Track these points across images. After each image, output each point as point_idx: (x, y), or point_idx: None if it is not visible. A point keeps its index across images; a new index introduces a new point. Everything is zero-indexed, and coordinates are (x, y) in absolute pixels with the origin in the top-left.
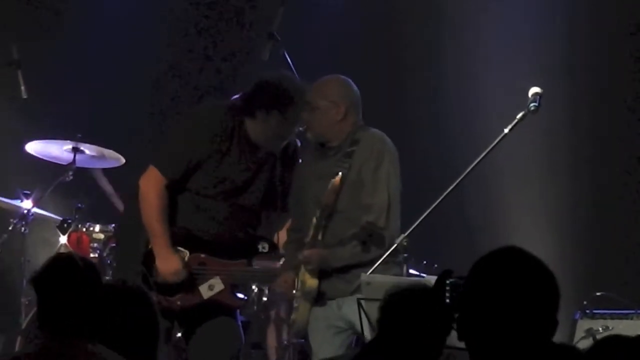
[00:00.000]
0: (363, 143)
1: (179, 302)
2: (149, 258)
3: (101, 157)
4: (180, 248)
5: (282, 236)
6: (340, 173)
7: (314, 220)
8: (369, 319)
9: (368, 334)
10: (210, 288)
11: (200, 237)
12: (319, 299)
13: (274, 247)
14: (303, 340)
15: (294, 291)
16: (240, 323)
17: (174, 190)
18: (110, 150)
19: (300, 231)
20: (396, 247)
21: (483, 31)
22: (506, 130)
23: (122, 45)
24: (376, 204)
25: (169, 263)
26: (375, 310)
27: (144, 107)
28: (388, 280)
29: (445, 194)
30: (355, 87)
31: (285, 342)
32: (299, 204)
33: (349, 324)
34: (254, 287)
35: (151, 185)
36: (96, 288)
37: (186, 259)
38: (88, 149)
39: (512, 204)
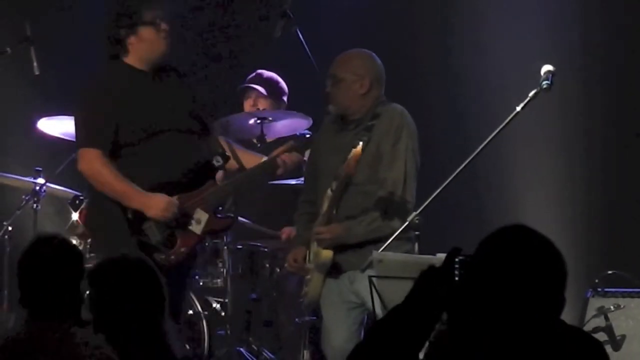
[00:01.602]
0: (383, 117)
1: (182, 249)
2: (134, 224)
3: None
4: (159, 195)
5: None
6: (360, 142)
7: (329, 192)
8: (380, 297)
9: (380, 312)
10: (198, 222)
11: (161, 184)
12: (332, 270)
13: (226, 157)
14: (315, 317)
15: (306, 265)
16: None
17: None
18: None
19: (313, 204)
20: (408, 223)
21: (497, 8)
22: (518, 108)
23: None
24: (391, 178)
25: (154, 202)
26: (386, 287)
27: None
28: (400, 258)
29: (457, 171)
30: (379, 62)
31: (297, 320)
32: (313, 177)
33: (361, 300)
34: (265, 264)
35: (91, 162)
36: (78, 270)
37: None
38: None
39: (524, 182)
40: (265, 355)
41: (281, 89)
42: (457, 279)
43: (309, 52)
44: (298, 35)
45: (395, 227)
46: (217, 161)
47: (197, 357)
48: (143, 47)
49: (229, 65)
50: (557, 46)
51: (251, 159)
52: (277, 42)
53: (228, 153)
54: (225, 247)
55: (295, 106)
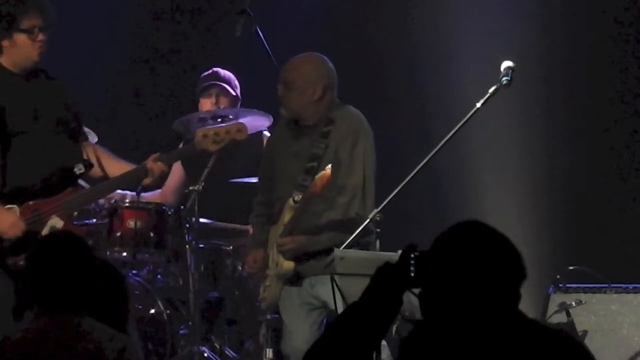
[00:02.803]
0: (339, 122)
1: None
2: None
3: None
4: (8, 206)
5: None
6: (330, 165)
7: (291, 202)
8: (342, 294)
9: (342, 309)
10: (53, 229)
11: (18, 188)
12: (293, 279)
13: (89, 164)
14: (277, 315)
15: (266, 270)
16: None
17: None
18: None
19: (269, 206)
20: (368, 226)
21: (459, 4)
22: (478, 105)
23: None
24: (350, 184)
25: (1, 220)
26: (348, 284)
27: (120, 82)
28: (362, 255)
29: (417, 168)
30: (332, 66)
31: (260, 318)
32: (269, 179)
33: (322, 303)
34: (227, 262)
35: None
36: (87, 264)
37: (18, 213)
38: None
39: (486, 179)
40: (228, 353)
41: (237, 86)
42: (412, 275)
43: (269, 50)
44: (258, 33)
45: (358, 221)
46: (79, 169)
47: (159, 356)
48: (16, 52)
49: (185, 64)
50: (518, 41)
51: (120, 167)
52: (237, 41)
53: (93, 160)
54: (187, 246)
55: (254, 104)
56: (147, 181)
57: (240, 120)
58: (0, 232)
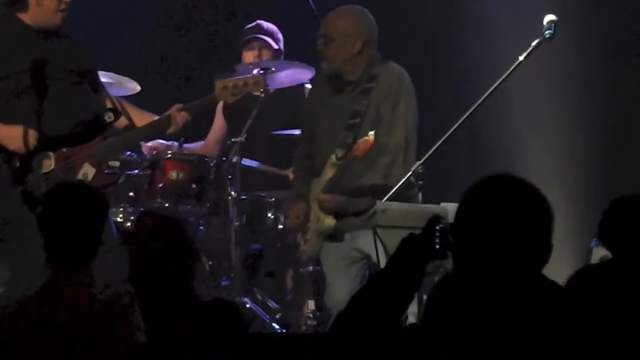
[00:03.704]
0: (381, 79)
1: None
2: (19, 175)
3: (117, 84)
4: (43, 152)
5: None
6: (373, 132)
7: (333, 159)
8: (384, 247)
9: (384, 262)
10: (85, 176)
11: (48, 139)
12: (334, 235)
13: (117, 113)
14: (319, 267)
15: (307, 223)
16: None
17: None
18: (126, 78)
19: (310, 158)
20: (409, 179)
21: None
22: (521, 58)
23: None
24: (392, 143)
25: (12, 133)
26: (390, 237)
27: (155, 34)
28: (403, 207)
29: (460, 120)
30: (373, 20)
31: (301, 270)
32: (310, 132)
33: (364, 255)
34: (269, 214)
35: None
36: (101, 217)
37: (53, 159)
38: (104, 76)
39: (526, 132)
40: (270, 305)
41: (281, 39)
42: (437, 247)
43: (311, 2)
44: None
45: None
46: (109, 117)
47: None
48: (40, 12)
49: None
50: None
51: (143, 117)
52: None
53: (119, 109)
54: (229, 198)
55: (296, 57)
56: (171, 130)
57: (275, 70)
58: (16, 147)
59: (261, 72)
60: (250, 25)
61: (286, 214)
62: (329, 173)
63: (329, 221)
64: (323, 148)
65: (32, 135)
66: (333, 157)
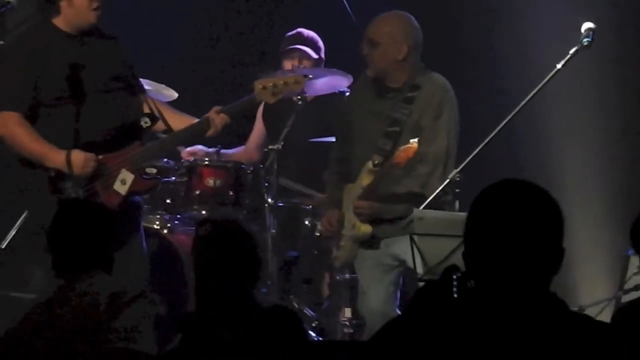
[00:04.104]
0: (424, 89)
1: None
2: (55, 183)
3: (154, 91)
4: (72, 150)
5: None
6: (416, 140)
7: (370, 165)
8: (421, 254)
9: (420, 269)
10: (123, 182)
11: (86, 145)
12: (370, 242)
13: (154, 118)
14: (355, 275)
15: (341, 230)
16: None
17: (32, 118)
18: (163, 85)
19: (345, 162)
20: (447, 185)
21: None
22: (559, 66)
23: None
24: (432, 153)
25: (71, 160)
26: (427, 244)
27: (193, 40)
28: (440, 215)
29: (497, 128)
30: (417, 26)
31: (338, 277)
32: (345, 136)
33: (399, 261)
34: (306, 221)
35: (8, 125)
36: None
37: None
38: (143, 83)
39: (563, 140)
40: (306, 312)
41: (321, 48)
42: (455, 295)
43: (349, 9)
44: None
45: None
46: (145, 122)
47: None
48: (72, 13)
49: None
50: (599, 2)
51: (181, 120)
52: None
53: (157, 114)
54: (266, 205)
55: (334, 64)
56: (210, 133)
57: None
58: (75, 172)
59: None
60: (291, 34)
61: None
62: (365, 180)
63: (365, 228)
64: (358, 152)
65: (91, 159)
66: (370, 163)
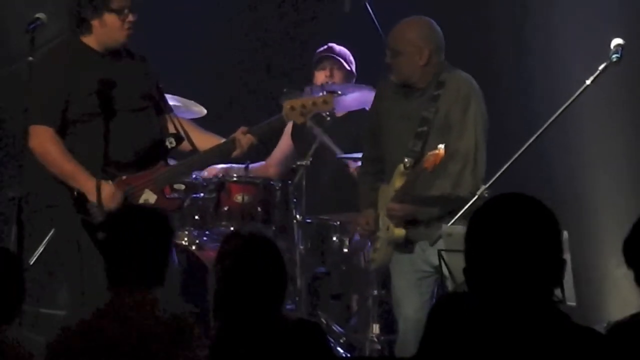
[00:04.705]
0: (449, 86)
1: None
2: (80, 202)
3: (183, 107)
4: (102, 181)
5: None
6: (443, 145)
7: (402, 168)
8: (449, 271)
9: (450, 286)
10: (146, 202)
11: (111, 163)
12: (404, 245)
13: (179, 138)
14: (384, 291)
15: (377, 232)
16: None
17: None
18: (192, 102)
19: (378, 162)
20: (478, 197)
21: None
22: (588, 82)
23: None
24: (462, 149)
25: (101, 190)
26: (456, 260)
27: (222, 57)
28: None
29: (526, 145)
30: (438, 28)
31: (366, 294)
32: (376, 135)
33: (434, 269)
34: (334, 237)
35: (42, 140)
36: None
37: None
38: (171, 100)
39: (593, 157)
40: (334, 329)
41: (352, 62)
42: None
43: (378, 26)
44: (367, 8)
45: (466, 200)
46: (170, 142)
47: None
48: (104, 33)
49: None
50: (628, 19)
51: (207, 140)
52: (345, 16)
53: (182, 134)
54: (294, 221)
55: (363, 80)
56: (236, 154)
57: (341, 94)
58: (103, 205)
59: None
60: (322, 48)
61: (355, 222)
62: (397, 182)
63: (399, 231)
64: (391, 154)
65: (117, 194)
66: (401, 166)
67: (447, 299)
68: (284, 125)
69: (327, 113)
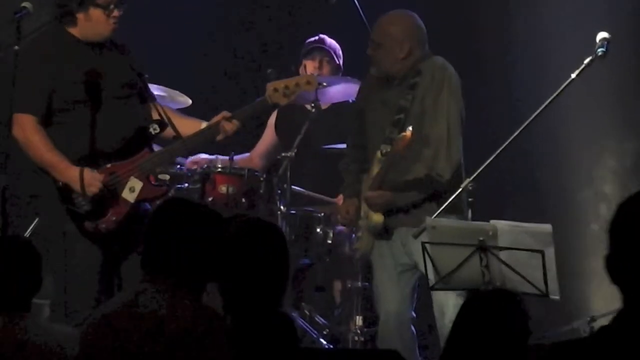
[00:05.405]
0: (425, 73)
1: (113, 218)
2: (64, 192)
3: (168, 97)
4: (86, 169)
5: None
6: (410, 128)
7: (379, 155)
8: (433, 263)
9: (432, 278)
10: (132, 190)
11: (94, 152)
12: (382, 232)
13: (163, 124)
14: (367, 283)
15: (359, 221)
16: None
17: (45, 123)
18: (177, 92)
19: (362, 149)
20: (462, 189)
21: None
22: (573, 76)
23: None
24: (435, 134)
25: (80, 178)
26: (439, 253)
27: (207, 47)
28: (453, 224)
29: (511, 138)
30: (420, 23)
31: (349, 285)
32: (359, 125)
33: (414, 262)
34: (318, 229)
35: (25, 129)
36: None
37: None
38: (156, 90)
39: (579, 151)
40: (318, 320)
41: (341, 56)
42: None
43: (364, 17)
44: (354, 1)
45: (442, 183)
46: (154, 129)
47: None
48: (89, 26)
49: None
50: (614, 12)
51: (191, 125)
52: (331, 8)
53: (165, 120)
54: (279, 212)
55: (348, 72)
56: (219, 138)
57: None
58: (83, 191)
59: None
60: (312, 39)
61: (336, 210)
62: (375, 169)
63: (377, 217)
64: (371, 141)
65: (96, 178)
66: (378, 153)
67: (478, 297)
68: (267, 107)
69: (312, 105)
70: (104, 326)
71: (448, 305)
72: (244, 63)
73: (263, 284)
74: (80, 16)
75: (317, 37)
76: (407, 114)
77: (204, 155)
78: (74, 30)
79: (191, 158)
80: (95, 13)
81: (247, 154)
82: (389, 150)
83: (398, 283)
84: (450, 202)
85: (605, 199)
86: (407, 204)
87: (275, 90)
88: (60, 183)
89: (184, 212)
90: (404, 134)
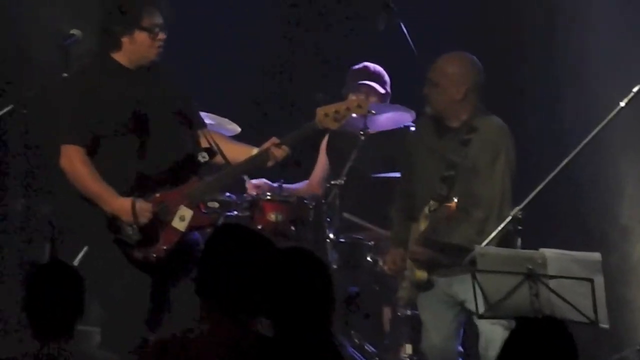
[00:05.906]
0: (481, 131)
1: (164, 247)
2: (113, 222)
3: (218, 125)
4: (138, 200)
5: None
6: (455, 200)
7: (426, 211)
8: (482, 291)
9: (481, 307)
10: (182, 219)
11: (143, 181)
12: (427, 287)
13: (212, 152)
14: (417, 311)
15: (405, 271)
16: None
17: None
18: (226, 119)
19: (409, 198)
20: (511, 218)
21: (599, 3)
22: (622, 104)
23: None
24: (486, 197)
25: (127, 208)
26: (489, 281)
27: (256, 77)
28: (502, 252)
29: (559, 167)
30: (479, 67)
31: (399, 313)
32: (410, 170)
33: (459, 300)
34: (367, 257)
35: (72, 161)
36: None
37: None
38: (205, 118)
39: (626, 181)
40: (367, 348)
41: (387, 82)
42: None
43: (412, 44)
44: (401, 27)
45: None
46: (203, 157)
47: None
48: (134, 50)
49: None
50: None
51: (240, 151)
52: (379, 35)
53: (214, 148)
54: (328, 240)
55: (397, 99)
56: (270, 164)
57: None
58: (134, 221)
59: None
60: (357, 67)
61: (384, 259)
62: (422, 224)
63: (421, 274)
64: (420, 191)
65: (145, 209)
66: (426, 209)
67: (527, 326)
68: (316, 132)
69: (362, 132)
70: (160, 352)
71: (495, 339)
72: (293, 88)
73: (306, 311)
74: (125, 40)
75: (361, 66)
76: (458, 171)
77: (265, 180)
78: (118, 56)
79: (254, 181)
80: (141, 36)
81: (305, 182)
82: (437, 206)
83: (444, 319)
84: (499, 231)
85: None
86: (451, 264)
87: (326, 115)
88: (109, 213)
89: (240, 239)
90: (448, 205)
